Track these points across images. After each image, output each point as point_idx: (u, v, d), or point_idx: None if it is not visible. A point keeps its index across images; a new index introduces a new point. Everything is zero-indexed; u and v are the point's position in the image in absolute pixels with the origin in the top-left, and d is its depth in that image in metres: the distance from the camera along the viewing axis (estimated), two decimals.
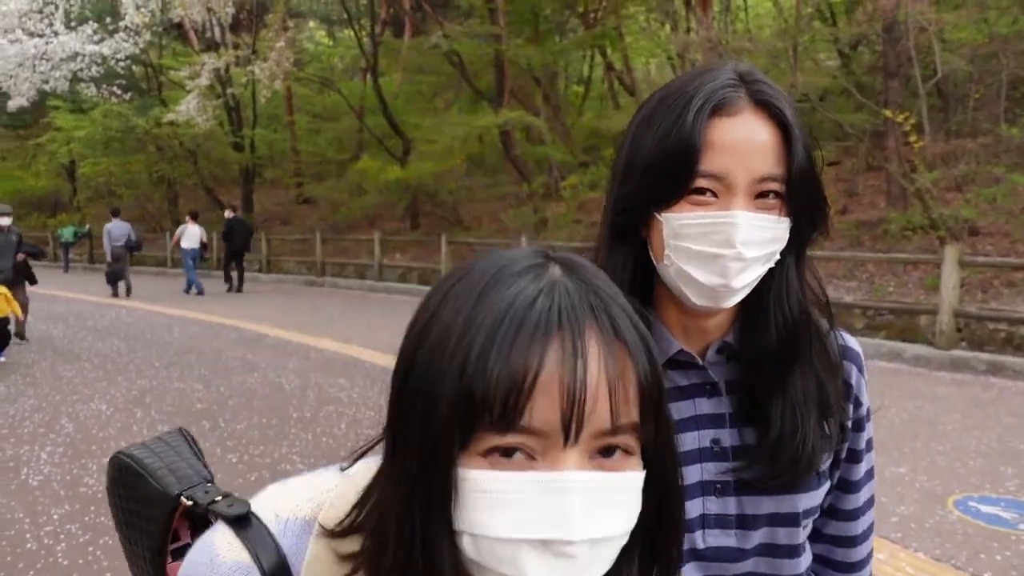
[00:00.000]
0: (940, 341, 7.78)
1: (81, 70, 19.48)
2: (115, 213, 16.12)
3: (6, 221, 9.51)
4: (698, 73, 0.89)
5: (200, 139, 21.20)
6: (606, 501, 0.53)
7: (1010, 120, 11.82)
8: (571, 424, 0.51)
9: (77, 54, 19.05)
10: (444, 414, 0.52)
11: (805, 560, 0.99)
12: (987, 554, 3.47)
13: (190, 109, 17.57)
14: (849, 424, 1.00)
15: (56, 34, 18.99)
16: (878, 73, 12.93)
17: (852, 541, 1.05)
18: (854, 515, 1.04)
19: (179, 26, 21.14)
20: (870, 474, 1.05)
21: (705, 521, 0.95)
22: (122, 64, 20.30)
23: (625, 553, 0.57)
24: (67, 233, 23.62)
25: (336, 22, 27.05)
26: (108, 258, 15.52)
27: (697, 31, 13.95)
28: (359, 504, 0.61)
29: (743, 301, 0.91)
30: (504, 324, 0.52)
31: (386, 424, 0.59)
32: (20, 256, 9.65)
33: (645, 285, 0.96)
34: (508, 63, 15.96)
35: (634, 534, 0.56)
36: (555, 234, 14.27)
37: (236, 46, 18.89)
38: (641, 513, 0.56)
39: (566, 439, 0.51)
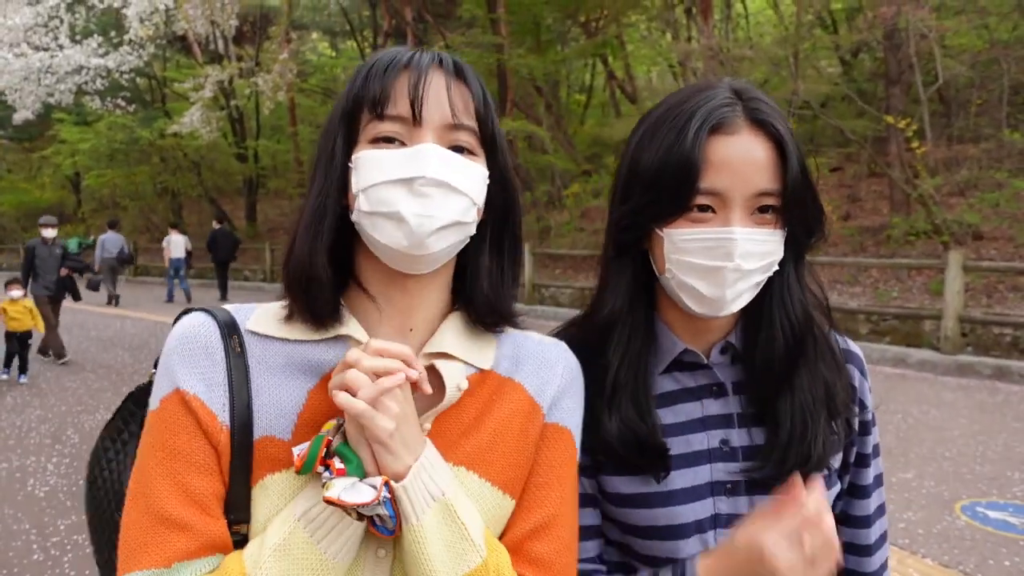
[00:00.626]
0: (945, 346, 7.76)
1: (86, 83, 19.57)
2: (112, 225, 16.68)
3: (51, 233, 9.12)
4: (695, 91, 0.93)
5: (204, 150, 21.29)
6: (454, 168, 0.80)
7: (1012, 125, 11.83)
8: (415, 107, 0.80)
9: (82, 67, 19.14)
10: (339, 119, 0.84)
11: None
12: (995, 560, 3.46)
13: (194, 121, 17.64)
14: (856, 426, 1.02)
15: (61, 48, 19.10)
16: (879, 80, 12.96)
17: (867, 550, 1.05)
18: (866, 522, 1.05)
19: (183, 39, 21.26)
20: (879, 480, 1.06)
21: (717, 521, 0.96)
22: (126, 77, 20.40)
23: (480, 242, 0.88)
24: (72, 244, 23.68)
25: (339, 33, 27.19)
26: (95, 267, 15.67)
27: (698, 39, 14.00)
28: (289, 245, 0.85)
29: (757, 308, 0.95)
30: (377, 62, 0.84)
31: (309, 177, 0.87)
32: (64, 271, 9.16)
33: (648, 288, 1.00)
34: (510, 73, 16.01)
35: (483, 233, 0.88)
36: (558, 242, 14.29)
37: (240, 58, 18.98)
38: (489, 212, 0.87)
39: (414, 120, 0.80)
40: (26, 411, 6.74)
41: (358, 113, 0.83)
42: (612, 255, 1.00)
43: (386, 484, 0.75)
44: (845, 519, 1.05)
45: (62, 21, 19.29)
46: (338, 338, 0.85)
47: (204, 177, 23.85)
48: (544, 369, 0.92)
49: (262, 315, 0.87)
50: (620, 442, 0.95)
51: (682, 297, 0.93)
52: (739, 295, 0.90)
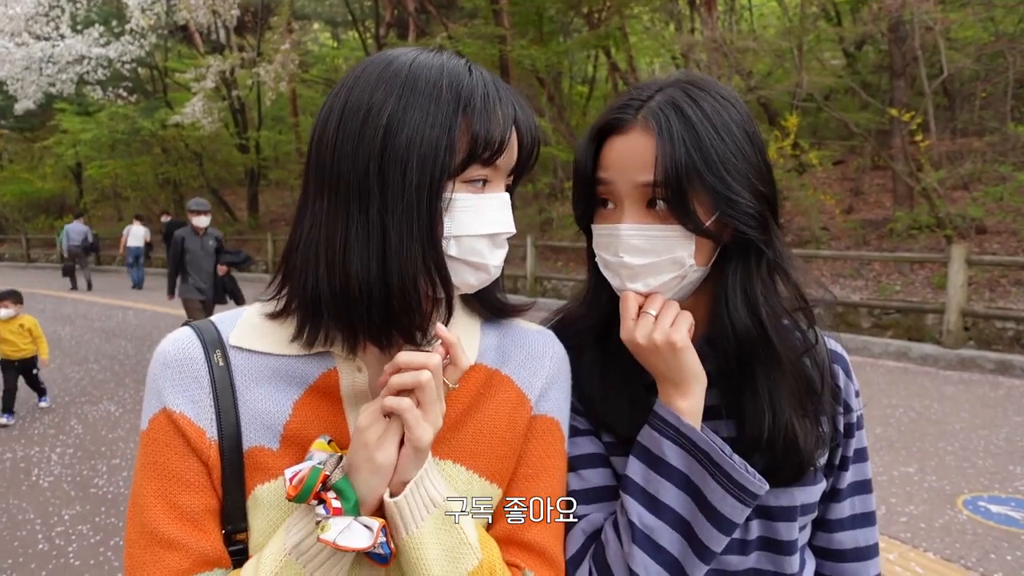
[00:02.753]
0: (947, 340, 7.76)
1: (87, 73, 19.53)
2: (78, 216, 18.40)
3: (203, 221, 7.25)
4: (623, 93, 0.99)
5: (205, 141, 21.27)
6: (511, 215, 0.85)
7: (1017, 119, 11.78)
8: (521, 162, 0.85)
9: (83, 57, 19.09)
10: (445, 154, 0.77)
11: (800, 560, 1.00)
12: (997, 554, 3.47)
13: (195, 111, 17.60)
14: (841, 428, 1.02)
15: (62, 37, 19.05)
16: (884, 72, 12.91)
17: (840, 556, 1.05)
18: (839, 526, 1.05)
19: (184, 29, 21.18)
20: (860, 487, 1.05)
21: None
22: (128, 67, 20.36)
23: None
24: (59, 236, 23.72)
25: (340, 24, 27.09)
26: (64, 255, 17.31)
27: (701, 31, 13.93)
28: (284, 259, 0.84)
29: (711, 296, 0.95)
30: (490, 96, 0.80)
31: (332, 182, 0.79)
32: (223, 268, 7.42)
33: None
34: (512, 64, 15.95)
35: None
36: (560, 234, 14.27)
37: (241, 48, 18.91)
38: None
39: (512, 172, 0.85)
40: (30, 401, 6.76)
41: (474, 152, 0.78)
42: (590, 248, 1.03)
43: (383, 528, 0.75)
44: (819, 523, 1.05)
45: (63, 10, 19.24)
46: (320, 353, 0.86)
47: (206, 168, 23.83)
48: (532, 360, 0.94)
49: (244, 328, 0.88)
50: (613, 418, 0.98)
51: None
52: (643, 291, 0.92)
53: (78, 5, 19.46)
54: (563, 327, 1.05)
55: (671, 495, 0.90)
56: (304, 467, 0.76)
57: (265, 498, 0.81)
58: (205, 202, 7.47)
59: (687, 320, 0.91)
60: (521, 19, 17.11)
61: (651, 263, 0.90)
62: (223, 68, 17.43)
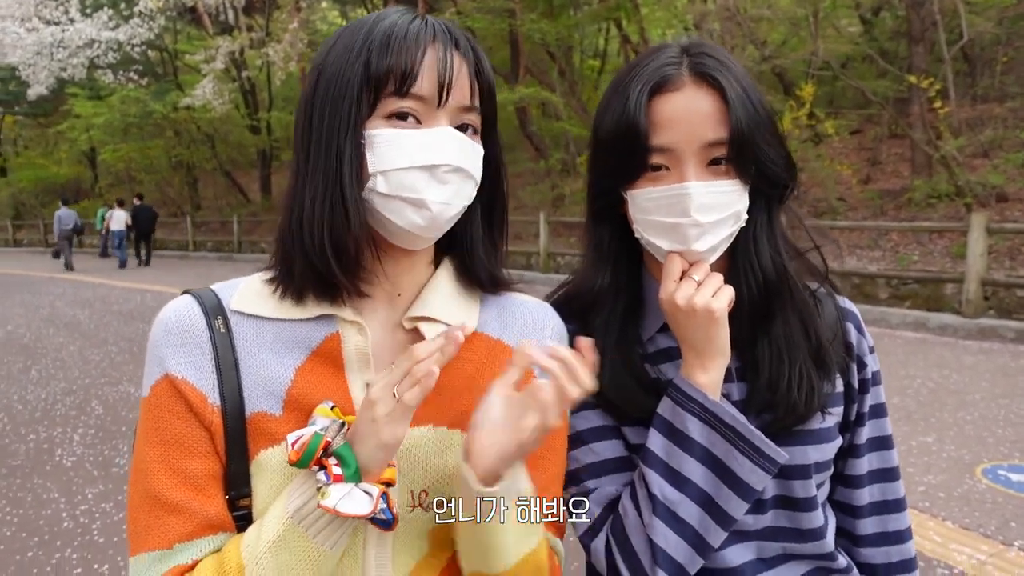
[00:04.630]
0: (967, 310, 7.67)
1: (98, 57, 19.57)
2: (65, 202, 20.18)
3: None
4: (646, 55, 0.97)
5: (217, 123, 21.30)
6: (467, 152, 0.82)
7: None
8: (443, 91, 0.80)
9: (93, 41, 19.12)
10: (356, 91, 0.79)
11: (822, 516, 1.00)
12: (1017, 523, 3.44)
13: (206, 93, 17.62)
14: (855, 384, 1.02)
15: (72, 21, 19.07)
16: (902, 39, 12.63)
17: (857, 511, 1.06)
18: (857, 482, 1.05)
19: (193, 10, 21.09)
20: (879, 443, 1.06)
21: None
22: (138, 50, 20.36)
23: (472, 213, 0.88)
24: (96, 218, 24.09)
25: (349, 2, 26.87)
26: (56, 239, 19.11)
27: (714, 0, 13.68)
28: (280, 230, 0.84)
29: (729, 259, 0.96)
30: (395, 32, 0.80)
31: (297, 139, 0.83)
32: None
33: (632, 254, 1.02)
34: (522, 38, 15.78)
35: (475, 204, 0.87)
36: (572, 209, 14.19)
37: (250, 28, 18.85)
38: (481, 186, 0.86)
39: (440, 101, 0.80)
40: (51, 384, 6.86)
41: (378, 86, 0.79)
42: (591, 222, 1.03)
43: (383, 494, 0.75)
44: (840, 478, 1.06)
45: None
46: (323, 317, 0.85)
47: (218, 150, 23.89)
48: (533, 331, 0.95)
49: (246, 293, 0.88)
50: (614, 396, 0.98)
51: (656, 256, 0.96)
52: (710, 248, 0.92)
53: None
54: (568, 300, 1.05)
55: (694, 469, 0.91)
56: (307, 432, 0.76)
57: (268, 463, 0.81)
58: None
59: (728, 293, 0.91)
60: None
61: (718, 220, 0.90)
62: (232, 49, 17.41)
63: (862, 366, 1.03)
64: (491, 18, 15.13)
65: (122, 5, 19.40)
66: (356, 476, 0.75)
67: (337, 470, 0.74)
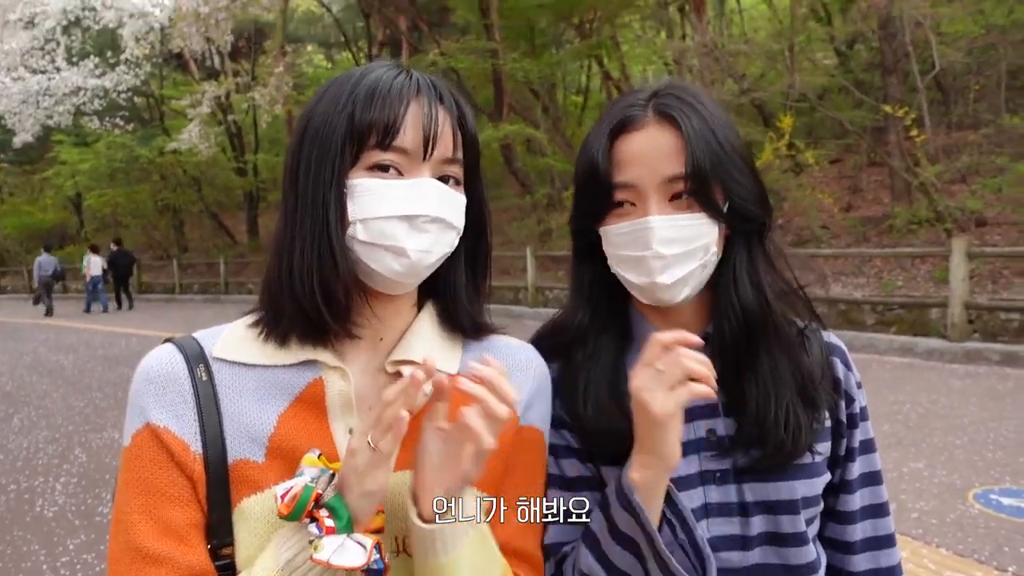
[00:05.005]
0: (952, 334, 7.72)
1: (84, 104, 19.69)
2: (47, 248, 20.56)
3: None
4: (620, 98, 1.01)
5: (203, 166, 21.37)
6: (447, 203, 0.84)
7: (1011, 110, 11.78)
8: (427, 145, 0.82)
9: (79, 88, 19.26)
10: (340, 143, 0.81)
11: (813, 551, 0.99)
12: (1011, 547, 3.42)
13: (192, 137, 17.70)
14: (844, 419, 1.02)
15: (58, 70, 19.22)
16: (876, 70, 12.93)
17: (850, 547, 1.05)
18: (850, 518, 1.04)
19: (179, 56, 21.34)
20: (871, 478, 1.05)
21: (708, 510, 0.97)
22: (124, 96, 20.50)
23: (456, 259, 0.90)
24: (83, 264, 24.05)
25: (334, 45, 27.27)
26: (36, 284, 19.48)
27: (692, 36, 13.99)
28: (268, 276, 0.85)
29: (711, 296, 0.97)
30: (380, 86, 0.82)
31: (286, 186, 0.85)
32: None
33: (619, 289, 1.02)
34: (506, 77, 16.02)
35: (459, 250, 0.89)
36: (560, 243, 14.26)
37: (236, 73, 19.08)
38: (465, 233, 0.88)
39: (424, 155, 0.82)
40: (33, 432, 6.74)
41: (361, 139, 0.81)
42: (575, 260, 1.06)
43: (376, 545, 0.74)
44: (832, 514, 1.05)
45: (58, 43, 19.42)
46: (306, 363, 0.86)
47: (204, 193, 23.92)
48: (516, 373, 0.95)
49: (228, 340, 0.88)
50: (597, 434, 0.97)
51: (629, 289, 0.99)
52: (678, 282, 0.93)
53: (73, 37, 19.65)
54: (551, 335, 1.06)
55: (619, 556, 0.91)
56: (296, 484, 0.74)
57: (251, 511, 0.81)
58: None
59: (687, 391, 0.84)
60: (512, 32, 17.21)
61: (682, 252, 0.92)
62: (218, 93, 17.55)
63: (850, 401, 1.03)
64: (474, 58, 15.39)
65: (108, 53, 19.60)
66: (348, 527, 0.74)
67: (329, 522, 0.73)
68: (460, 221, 0.87)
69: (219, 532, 0.81)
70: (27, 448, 6.25)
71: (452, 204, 0.85)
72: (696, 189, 0.91)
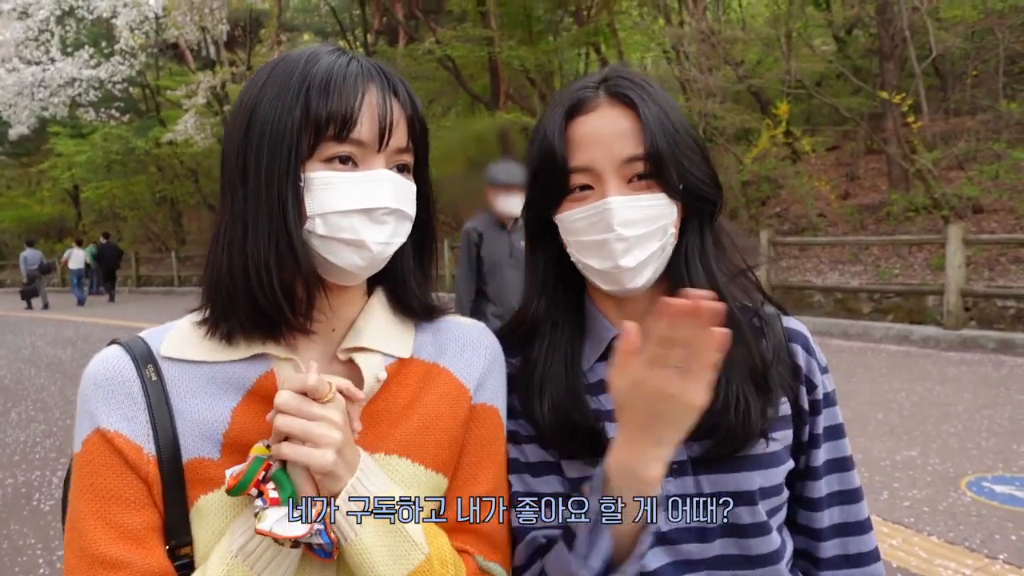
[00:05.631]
0: (948, 321, 7.73)
1: (79, 95, 19.60)
2: (30, 244, 20.85)
3: (514, 206, 4.15)
4: (569, 84, 1.00)
5: (200, 157, 21.31)
6: (402, 193, 0.84)
7: (1009, 96, 11.73)
8: (383, 136, 0.81)
9: (75, 79, 19.17)
10: (295, 135, 0.78)
11: (776, 540, 0.99)
12: (1002, 535, 3.43)
13: (188, 128, 17.66)
14: (806, 406, 1.01)
15: (53, 61, 19.13)
16: (874, 56, 12.86)
17: (818, 534, 1.05)
18: (817, 504, 1.04)
19: (174, 46, 21.21)
20: (837, 465, 1.05)
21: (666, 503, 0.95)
22: (119, 87, 20.40)
23: (404, 245, 0.88)
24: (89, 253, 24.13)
25: (330, 34, 27.11)
26: (24, 279, 19.85)
27: (690, 23, 13.91)
28: (208, 265, 0.84)
29: (669, 282, 0.96)
30: (334, 76, 0.80)
31: (229, 177, 0.83)
32: None
33: (574, 282, 1.02)
34: (502, 65, 15.95)
35: (416, 236, 0.90)
36: None
37: (232, 63, 18.96)
38: (416, 221, 0.88)
39: (380, 146, 0.82)
40: (31, 426, 6.76)
41: (318, 130, 0.79)
42: (529, 248, 1.04)
43: (319, 517, 0.75)
44: (800, 501, 1.05)
45: (53, 34, 19.32)
46: (256, 356, 0.85)
47: (202, 184, 23.87)
48: (467, 351, 0.95)
49: (176, 338, 0.87)
50: (553, 430, 0.96)
51: (590, 278, 0.97)
52: (640, 264, 0.92)
53: (67, 28, 19.54)
54: (509, 335, 1.05)
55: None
56: (244, 466, 0.76)
57: (208, 508, 0.80)
58: (518, 170, 4.05)
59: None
60: (509, 20, 17.11)
61: (644, 234, 0.91)
62: (214, 83, 17.48)
63: (812, 387, 1.02)
64: (471, 46, 15.30)
65: (103, 43, 19.49)
66: (293, 498, 0.75)
67: (274, 494, 0.75)
68: (414, 210, 0.87)
69: (176, 532, 0.81)
70: (24, 442, 6.26)
71: (407, 194, 0.85)
72: (655, 169, 0.91)
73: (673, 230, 0.94)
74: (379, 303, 0.93)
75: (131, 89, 23.60)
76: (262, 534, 0.72)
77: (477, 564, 0.89)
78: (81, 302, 19.77)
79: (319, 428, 0.74)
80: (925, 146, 10.25)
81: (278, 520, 0.73)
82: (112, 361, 0.84)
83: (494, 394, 0.96)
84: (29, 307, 19.13)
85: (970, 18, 11.84)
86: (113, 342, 0.88)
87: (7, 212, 29.20)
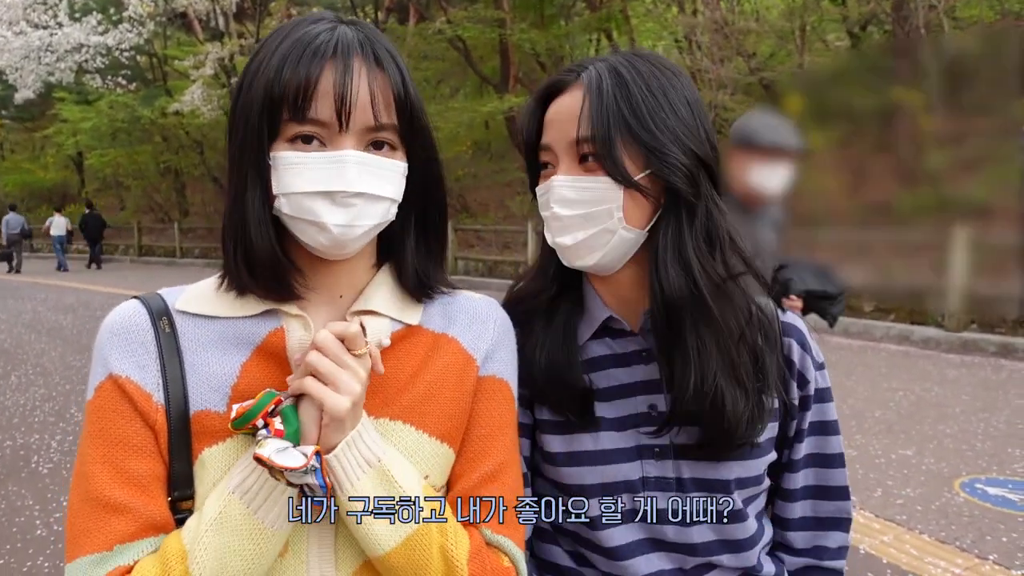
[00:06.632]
0: (950, 323, 7.73)
1: (86, 61, 19.50)
2: (12, 208, 21.41)
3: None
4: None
5: (206, 129, 21.20)
6: (375, 174, 0.81)
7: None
8: (342, 116, 0.78)
9: (82, 45, 19.05)
10: (257, 114, 0.79)
11: (753, 526, 1.01)
12: (993, 536, 3.46)
13: (195, 99, 17.58)
14: (796, 400, 1.02)
15: (60, 25, 19.00)
16: (888, 52, 12.76)
17: (787, 524, 1.08)
18: (790, 495, 1.06)
19: (183, 16, 21.06)
20: (818, 460, 1.06)
21: (646, 483, 0.99)
22: (127, 55, 20.29)
23: (405, 221, 0.89)
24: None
25: (340, 9, 26.87)
26: (3, 241, 20.54)
27: (703, 12, 13.79)
28: (224, 224, 0.85)
29: (645, 270, 0.96)
30: (294, 50, 0.79)
31: (227, 146, 0.84)
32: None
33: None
34: (513, 48, 15.85)
35: (408, 212, 0.89)
36: None
37: (240, 35, 18.84)
38: (412, 196, 0.87)
39: (340, 126, 0.79)
40: (30, 390, 6.79)
41: (276, 110, 0.79)
42: (539, 228, 1.05)
43: (316, 454, 0.76)
44: (777, 492, 1.08)
45: None
46: (267, 312, 0.86)
47: (207, 156, 23.75)
48: (476, 324, 0.96)
49: (192, 295, 0.89)
50: (546, 386, 0.99)
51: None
52: (580, 244, 0.93)
53: None
54: (513, 304, 1.06)
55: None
56: (254, 400, 0.78)
57: (211, 461, 0.82)
58: (785, 127, 2.89)
59: None
60: (522, 2, 16.97)
61: (581, 214, 0.91)
62: (222, 55, 17.38)
63: (804, 383, 1.02)
64: (482, 28, 15.20)
65: (111, 10, 19.36)
66: (295, 438, 0.77)
67: (279, 426, 0.76)
68: (392, 190, 0.84)
69: (179, 484, 0.82)
70: (24, 405, 6.29)
71: (380, 175, 0.82)
72: (597, 152, 0.90)
73: (619, 215, 0.91)
74: (385, 276, 0.93)
75: (138, 57, 23.48)
76: (259, 459, 0.73)
77: (484, 537, 0.88)
78: (61, 267, 20.24)
79: (345, 375, 0.77)
80: (935, 146, 10.21)
81: (278, 450, 0.74)
82: (129, 312, 0.87)
83: (503, 367, 0.96)
84: (11, 270, 19.85)
85: (987, 18, 11.74)
86: (134, 297, 0.89)
87: (11, 176, 29.12)
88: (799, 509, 1.06)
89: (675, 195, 0.92)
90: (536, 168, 0.99)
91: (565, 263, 0.97)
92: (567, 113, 0.93)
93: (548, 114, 0.96)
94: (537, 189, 0.99)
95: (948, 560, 3.24)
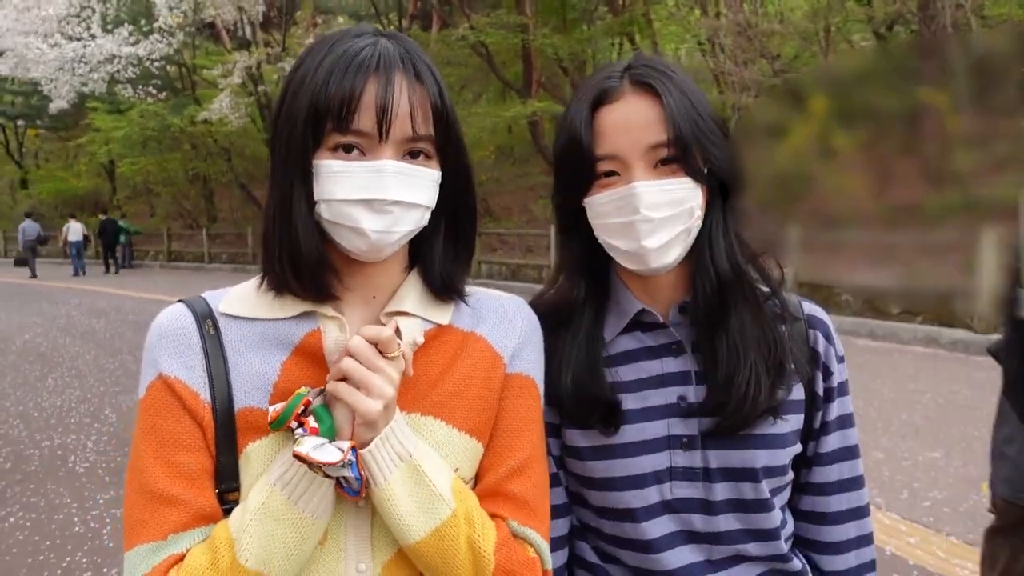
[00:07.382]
0: (979, 325, 7.62)
1: (118, 71, 19.89)
2: (28, 215, 22.57)
3: None
4: (594, 73, 1.04)
5: (233, 136, 21.54)
6: (411, 183, 0.86)
7: None
8: (383, 127, 0.83)
9: (114, 56, 19.45)
10: (303, 123, 0.84)
11: (778, 517, 1.02)
12: None
13: (223, 107, 17.87)
14: (820, 392, 1.04)
15: (93, 37, 19.41)
16: (914, 52, 12.58)
17: (824, 518, 1.07)
18: (825, 490, 1.06)
19: (211, 26, 21.44)
20: (848, 452, 1.07)
21: (673, 473, 1.01)
22: (157, 65, 20.69)
23: (436, 224, 0.93)
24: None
25: (364, 17, 27.14)
26: (20, 248, 21.81)
27: (726, 14, 13.74)
28: (266, 226, 0.90)
29: (690, 261, 1.00)
30: (339, 64, 0.84)
31: (271, 152, 0.90)
32: None
33: (600, 261, 1.05)
34: (535, 53, 15.90)
35: (439, 218, 0.92)
36: None
37: (267, 44, 19.12)
38: (444, 201, 0.91)
39: (380, 137, 0.84)
40: (66, 392, 6.97)
41: (321, 120, 0.84)
42: (562, 237, 1.08)
43: (352, 448, 0.81)
44: (806, 488, 1.07)
45: (94, 11, 19.58)
46: (304, 314, 0.91)
47: (234, 163, 24.11)
48: (504, 323, 0.99)
49: (233, 298, 0.94)
50: (572, 403, 1.02)
51: (616, 258, 1.01)
52: (665, 245, 0.95)
53: (108, 5, 19.80)
54: (549, 313, 1.08)
55: None
56: (286, 402, 0.83)
57: (256, 455, 0.87)
58: None
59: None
60: (544, 7, 17.04)
61: (669, 216, 0.95)
62: (249, 64, 17.66)
63: (828, 375, 1.05)
64: (504, 33, 15.28)
65: (142, 21, 19.76)
66: (331, 433, 0.82)
67: (314, 424, 0.81)
68: (427, 198, 0.88)
69: (226, 477, 0.87)
70: (60, 407, 6.47)
71: (416, 184, 0.86)
72: (679, 155, 0.94)
73: (699, 212, 0.97)
74: (416, 278, 0.97)
75: (168, 67, 23.95)
76: (298, 456, 0.79)
77: (510, 529, 0.91)
78: (78, 272, 21.07)
79: (377, 380, 0.82)
80: (963, 146, 10.06)
81: (315, 447, 0.79)
82: (175, 315, 0.92)
83: (530, 365, 0.99)
84: (34, 275, 20.57)
85: (1016, 16, 11.55)
86: (179, 301, 0.95)
87: (45, 185, 29.82)
88: (835, 503, 1.06)
89: (722, 184, 1.00)
90: (588, 177, 0.98)
91: (635, 266, 0.99)
92: (637, 120, 0.95)
93: (604, 123, 0.96)
94: (596, 198, 0.98)
95: (975, 562, 3.21)
